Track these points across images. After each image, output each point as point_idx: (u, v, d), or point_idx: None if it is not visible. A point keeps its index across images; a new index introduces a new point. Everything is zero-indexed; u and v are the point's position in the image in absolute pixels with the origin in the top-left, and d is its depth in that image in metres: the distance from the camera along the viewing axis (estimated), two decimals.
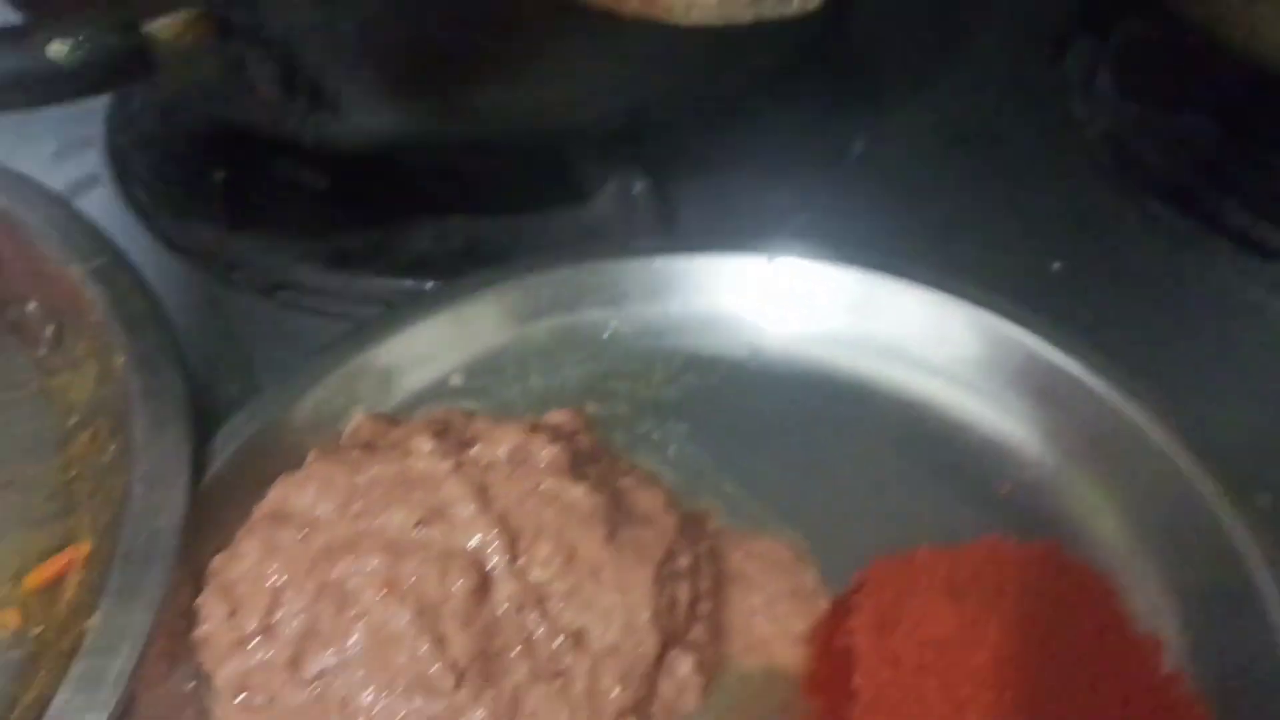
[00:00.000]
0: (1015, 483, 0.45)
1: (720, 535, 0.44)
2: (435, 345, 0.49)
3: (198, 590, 0.40)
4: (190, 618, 0.39)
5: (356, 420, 0.43)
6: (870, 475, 0.46)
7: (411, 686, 0.36)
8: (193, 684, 0.39)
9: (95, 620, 0.37)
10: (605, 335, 0.50)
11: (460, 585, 0.37)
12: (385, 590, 0.37)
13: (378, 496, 0.39)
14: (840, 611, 0.41)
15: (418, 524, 0.38)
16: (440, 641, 0.36)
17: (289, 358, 0.48)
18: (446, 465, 0.39)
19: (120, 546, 0.38)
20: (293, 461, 0.42)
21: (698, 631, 0.41)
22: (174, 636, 0.39)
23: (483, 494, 0.38)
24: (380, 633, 0.36)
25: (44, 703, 0.35)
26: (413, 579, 0.37)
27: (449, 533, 0.38)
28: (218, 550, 0.40)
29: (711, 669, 0.40)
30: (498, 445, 0.40)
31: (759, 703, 0.40)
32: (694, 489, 0.45)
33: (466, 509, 0.38)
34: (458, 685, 0.36)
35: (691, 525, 0.42)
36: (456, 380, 0.49)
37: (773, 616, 0.42)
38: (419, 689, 0.36)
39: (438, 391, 0.48)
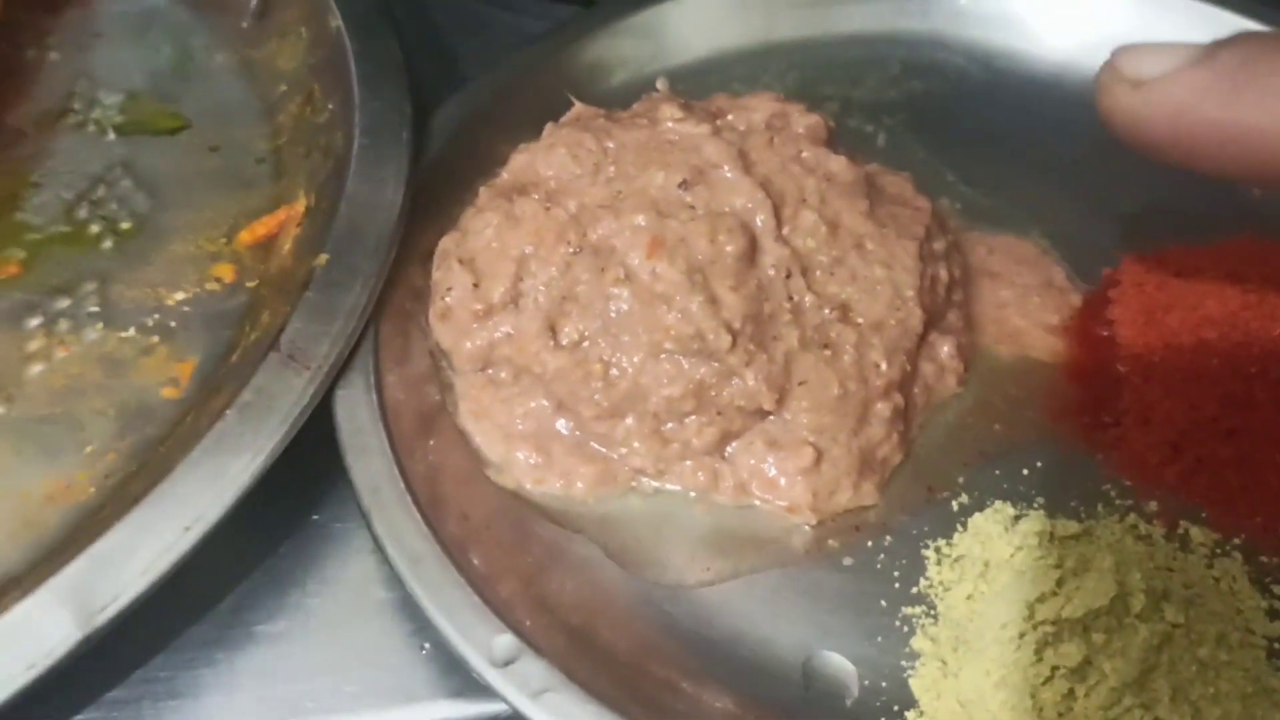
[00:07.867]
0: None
1: (960, 232, 0.42)
2: (640, 47, 0.46)
3: (425, 273, 0.38)
4: (422, 298, 0.38)
5: (575, 109, 0.41)
6: (1111, 177, 0.43)
7: (682, 347, 0.34)
8: (429, 363, 0.37)
9: (324, 259, 0.35)
10: (810, 44, 0.47)
11: (731, 246, 0.34)
12: (652, 249, 0.34)
13: (632, 160, 0.36)
14: (1096, 303, 0.40)
15: (680, 185, 0.35)
16: (713, 301, 0.34)
17: (491, 52, 0.45)
18: (704, 129, 0.37)
19: (346, 193, 0.37)
20: (506, 151, 0.40)
21: (954, 318, 0.39)
22: (406, 316, 0.37)
23: (744, 158, 0.36)
24: (646, 293, 0.34)
25: (274, 332, 0.33)
26: (680, 238, 0.34)
27: (713, 195, 0.35)
28: (441, 234, 0.38)
29: (968, 355, 0.38)
30: (753, 112, 0.38)
31: (1017, 389, 0.38)
32: (920, 186, 0.42)
33: (729, 172, 0.36)
34: (732, 346, 0.34)
35: (939, 214, 0.40)
36: (660, 85, 0.46)
37: (1024, 309, 0.40)
38: (691, 350, 0.34)
39: (642, 92, 0.45)
